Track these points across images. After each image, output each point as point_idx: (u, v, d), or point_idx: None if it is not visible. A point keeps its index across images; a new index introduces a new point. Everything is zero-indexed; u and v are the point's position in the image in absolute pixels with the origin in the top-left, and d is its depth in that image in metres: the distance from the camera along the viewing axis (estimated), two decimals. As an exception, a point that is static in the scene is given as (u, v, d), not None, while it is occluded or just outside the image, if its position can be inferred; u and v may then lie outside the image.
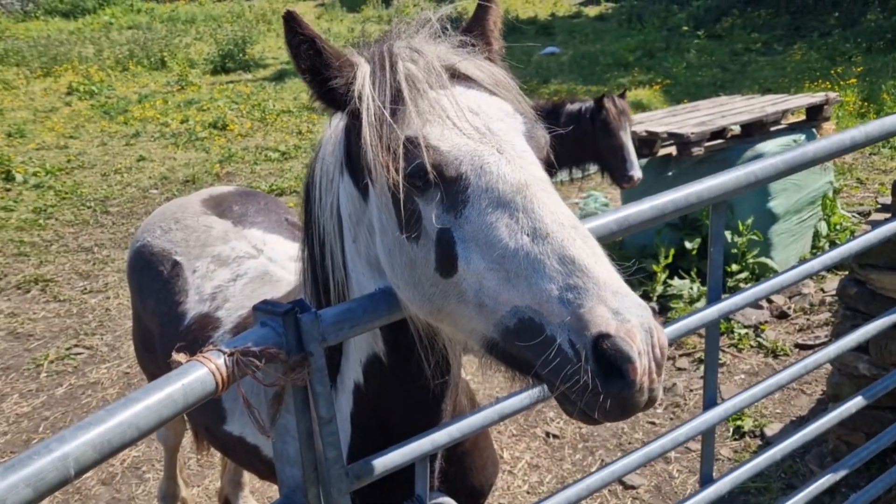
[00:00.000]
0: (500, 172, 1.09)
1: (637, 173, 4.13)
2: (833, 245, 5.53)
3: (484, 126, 1.15)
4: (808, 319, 4.82)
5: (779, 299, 5.02)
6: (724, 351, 4.52)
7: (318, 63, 1.18)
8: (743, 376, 4.33)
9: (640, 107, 10.46)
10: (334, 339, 1.26)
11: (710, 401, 2.04)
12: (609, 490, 3.50)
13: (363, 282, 1.35)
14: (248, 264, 2.33)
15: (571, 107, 4.27)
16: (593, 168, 4.38)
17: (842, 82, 11.50)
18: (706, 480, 2.12)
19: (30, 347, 5.04)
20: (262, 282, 2.24)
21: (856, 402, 2.41)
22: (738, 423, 3.85)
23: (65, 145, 10.39)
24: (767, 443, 3.70)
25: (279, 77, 15.36)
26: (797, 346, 4.55)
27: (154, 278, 2.47)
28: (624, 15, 22.04)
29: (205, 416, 2.23)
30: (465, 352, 1.51)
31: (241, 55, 16.77)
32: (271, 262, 2.32)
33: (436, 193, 1.11)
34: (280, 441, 1.31)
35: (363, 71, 1.19)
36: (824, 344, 3.80)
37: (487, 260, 1.06)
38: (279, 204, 2.83)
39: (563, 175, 4.34)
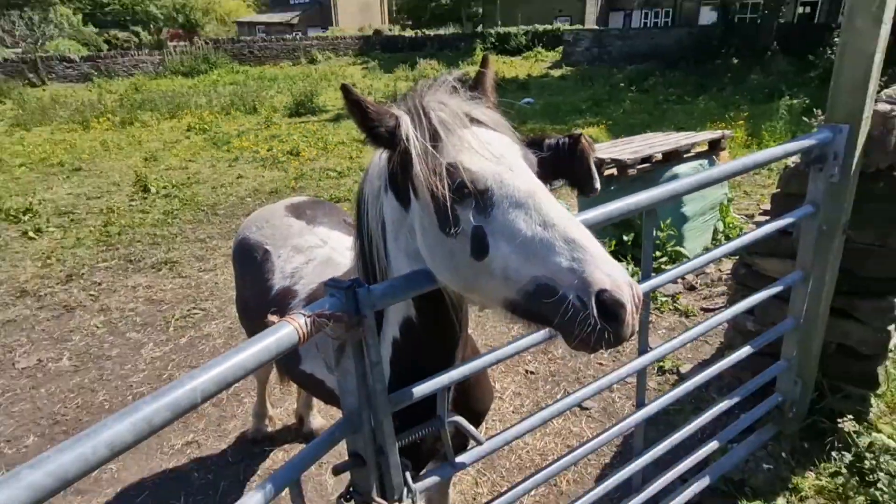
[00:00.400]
0: (515, 184, 1.10)
1: (598, 186, 4.10)
2: (728, 239, 5.50)
3: (498, 153, 1.15)
4: (710, 291, 4.79)
5: (689, 277, 4.99)
6: (650, 313, 4.50)
7: (364, 117, 1.18)
8: (663, 331, 4.31)
9: (590, 140, 10.38)
10: (381, 306, 1.26)
11: (642, 349, 2.04)
12: (570, 411, 3.49)
13: (401, 267, 1.34)
14: (317, 252, 2.32)
15: (550, 140, 4.23)
16: (559, 183, 4.37)
17: (733, 123, 11.38)
18: (640, 404, 2.12)
19: (161, 309, 5.06)
20: (326, 265, 2.23)
21: (745, 350, 2.40)
22: (661, 364, 3.84)
23: (185, 167, 10.40)
24: (682, 378, 3.69)
25: (336, 119, 15.32)
26: (702, 309, 4.52)
27: (251, 262, 2.47)
28: (579, 76, 21.93)
29: (286, 358, 2.23)
30: (480, 312, 1.51)
31: (309, 103, 16.74)
32: (333, 251, 2.32)
33: (471, 201, 1.10)
34: (343, 378, 1.31)
35: (405, 120, 1.18)
36: (722, 308, 3.78)
37: (511, 245, 1.06)
38: (339, 209, 2.82)
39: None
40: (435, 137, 1.14)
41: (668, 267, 4.02)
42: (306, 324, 1.10)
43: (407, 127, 1.16)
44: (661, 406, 2.13)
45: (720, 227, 5.59)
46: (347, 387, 1.29)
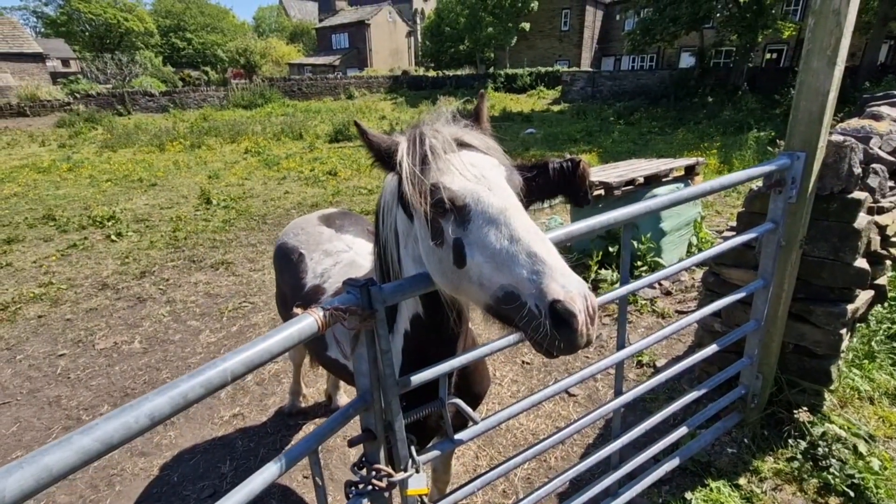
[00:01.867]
0: (490, 201, 1.07)
1: (591, 199, 4.04)
2: (700, 251, 5.38)
3: (480, 174, 1.12)
4: (684, 296, 4.68)
5: (666, 284, 4.89)
6: (631, 314, 4.42)
7: (369, 145, 1.21)
8: (643, 330, 4.22)
9: (583, 165, 10.27)
10: (391, 302, 1.23)
11: (621, 344, 1.99)
12: (559, 397, 3.43)
13: (410, 270, 1.32)
14: (343, 256, 2.31)
15: (554, 164, 4.20)
16: (560, 199, 4.34)
17: (707, 152, 11.22)
18: (618, 392, 2.07)
19: (217, 302, 5.09)
20: (351, 267, 2.22)
21: (712, 348, 2.33)
22: (640, 358, 3.75)
23: (242, 184, 10.49)
24: (657, 371, 3.60)
25: (367, 146, 15.41)
26: (677, 311, 4.42)
27: (288, 263, 2.47)
28: (575, 111, 21.75)
29: (315, 346, 2.22)
30: (471, 311, 1.49)
31: (346, 131, 16.83)
32: (357, 255, 2.30)
33: (451, 216, 1.09)
34: (357, 362, 1.29)
35: (402, 146, 1.18)
36: (693, 311, 3.69)
37: (484, 256, 1.04)
38: (364, 220, 2.81)
39: (543, 204, 4.32)
40: (424, 161, 1.13)
41: (647, 275, 3.95)
42: (325, 316, 1.09)
43: (402, 152, 1.15)
44: (637, 394, 2.07)
45: (694, 241, 5.48)
46: (361, 370, 1.28)
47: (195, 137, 15.91)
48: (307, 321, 1.06)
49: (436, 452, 1.51)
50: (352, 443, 1.33)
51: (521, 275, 0.97)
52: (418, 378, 1.35)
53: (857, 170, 2.25)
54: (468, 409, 1.49)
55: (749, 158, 10.50)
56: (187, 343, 4.36)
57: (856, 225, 2.30)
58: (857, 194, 2.30)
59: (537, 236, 1.02)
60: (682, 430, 2.39)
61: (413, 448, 1.41)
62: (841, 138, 2.23)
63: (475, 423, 1.54)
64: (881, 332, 3.12)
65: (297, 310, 1.13)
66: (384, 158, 1.21)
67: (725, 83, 21.12)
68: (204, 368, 0.89)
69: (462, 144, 1.19)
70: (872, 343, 3.03)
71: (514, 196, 1.13)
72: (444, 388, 1.45)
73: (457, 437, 1.54)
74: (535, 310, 0.94)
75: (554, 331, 0.92)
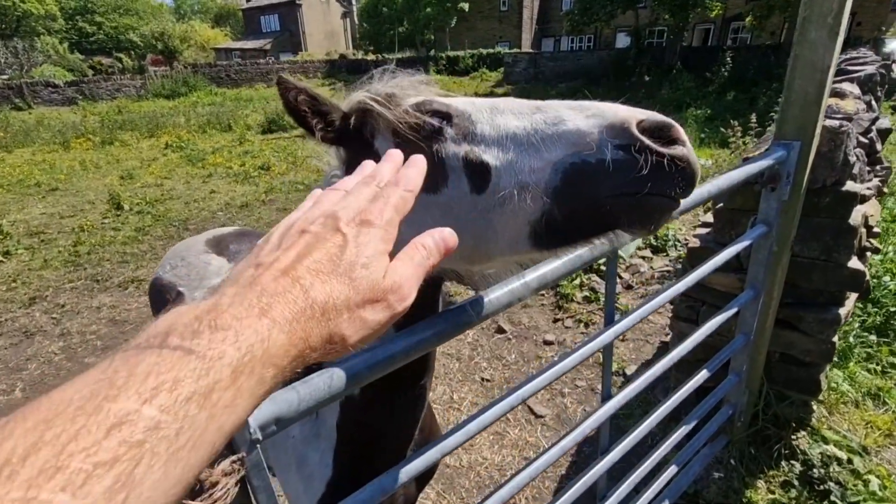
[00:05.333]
0: (484, 100, 0.78)
1: None
2: (664, 243, 5.18)
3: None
4: (645, 289, 4.45)
5: (626, 276, 4.64)
6: (594, 313, 4.13)
7: (315, 104, 0.79)
8: (607, 331, 3.93)
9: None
10: (270, 433, 0.74)
11: (607, 394, 1.59)
12: (525, 419, 3.07)
13: None
14: None
15: None
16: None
17: (651, 131, 11.29)
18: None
19: (124, 331, 4.34)
20: None
21: (702, 374, 2.00)
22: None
23: (161, 184, 9.42)
24: (628, 379, 3.31)
25: (305, 134, 14.49)
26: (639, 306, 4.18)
27: (163, 305, 1.89)
28: (519, 93, 21.59)
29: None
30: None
31: (281, 121, 15.74)
32: None
33: (448, 131, 0.74)
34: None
35: (355, 95, 0.83)
36: (651, 298, 3.43)
37: (515, 146, 0.69)
38: None
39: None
40: (390, 98, 0.80)
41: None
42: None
43: (362, 97, 0.80)
44: (627, 397, 1.69)
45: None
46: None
47: (107, 132, 14.32)
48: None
49: None
50: None
51: (576, 127, 0.65)
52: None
53: (852, 158, 1.96)
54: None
55: (692, 137, 10.63)
56: (84, 387, 3.63)
57: (851, 221, 2.02)
58: (851, 186, 2.01)
59: (559, 101, 0.73)
60: (673, 470, 2.06)
61: None
62: (836, 123, 1.93)
63: None
64: (856, 324, 2.96)
65: None
66: (332, 122, 0.82)
67: (661, 62, 21.60)
68: None
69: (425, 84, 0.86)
70: (850, 338, 2.85)
71: None
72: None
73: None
74: (620, 154, 0.61)
75: (667, 154, 0.60)
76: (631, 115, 0.63)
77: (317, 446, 1.13)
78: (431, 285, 0.90)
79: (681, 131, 0.62)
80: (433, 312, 0.93)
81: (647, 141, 0.60)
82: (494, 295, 0.95)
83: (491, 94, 22.39)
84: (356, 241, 0.45)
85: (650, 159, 0.60)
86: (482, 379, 3.49)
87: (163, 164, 11.15)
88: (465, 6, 31.05)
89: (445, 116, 0.75)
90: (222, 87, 26.15)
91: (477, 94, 21.90)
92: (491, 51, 29.18)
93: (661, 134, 0.61)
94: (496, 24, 35.81)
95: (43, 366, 3.90)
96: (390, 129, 0.77)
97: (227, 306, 0.37)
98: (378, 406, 1.01)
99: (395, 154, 0.59)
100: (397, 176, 0.55)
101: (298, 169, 10.30)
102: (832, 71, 1.73)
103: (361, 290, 0.43)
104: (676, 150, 0.61)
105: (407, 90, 0.82)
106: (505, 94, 19.24)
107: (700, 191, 1.52)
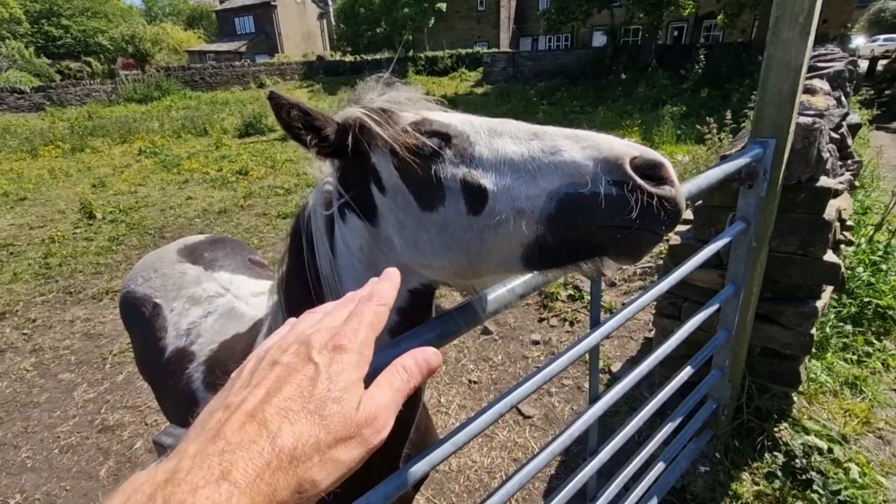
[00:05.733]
0: (483, 121, 0.79)
1: None
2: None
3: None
4: (628, 286, 4.51)
5: (609, 273, 4.68)
6: (578, 311, 4.16)
7: (309, 119, 0.78)
8: (592, 329, 3.95)
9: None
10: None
11: (594, 396, 1.59)
12: (514, 420, 3.07)
13: (352, 279, 0.93)
14: (218, 302, 1.72)
15: None
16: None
17: (629, 129, 11.45)
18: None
19: (99, 345, 4.21)
20: (228, 317, 1.65)
21: (686, 371, 2.02)
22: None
23: (135, 191, 9.18)
24: (614, 376, 3.34)
25: (284, 138, 14.25)
26: (623, 304, 4.21)
27: (138, 319, 1.83)
28: (498, 92, 21.69)
29: None
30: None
31: (258, 124, 15.57)
32: (237, 299, 1.73)
33: (445, 154, 0.75)
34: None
35: (350, 111, 0.82)
36: (636, 299, 3.47)
37: (513, 171, 0.71)
38: (243, 246, 2.19)
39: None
40: (386, 114, 0.81)
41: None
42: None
43: (357, 113, 0.80)
44: (615, 398, 1.69)
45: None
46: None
47: (77, 139, 13.89)
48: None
49: None
50: None
51: (572, 158, 0.68)
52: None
53: (826, 154, 2.00)
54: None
55: (667, 134, 10.80)
56: (57, 404, 3.50)
57: (825, 216, 2.06)
58: (825, 182, 2.06)
59: (558, 129, 0.75)
60: (660, 466, 2.07)
61: None
62: (809, 120, 1.97)
63: None
64: (832, 315, 3.03)
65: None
66: (326, 137, 0.80)
67: (637, 61, 21.92)
68: None
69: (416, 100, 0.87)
70: (826, 329, 2.92)
71: None
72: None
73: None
74: (612, 190, 0.64)
75: (655, 194, 0.63)
76: (625, 151, 0.65)
77: None
78: (423, 299, 0.91)
79: (670, 170, 0.66)
80: (428, 318, 0.94)
81: (640, 181, 0.63)
82: (482, 303, 0.94)
83: (470, 94, 22.47)
84: (328, 372, 0.43)
85: (641, 199, 0.63)
86: (469, 381, 3.48)
87: (136, 170, 10.87)
88: (443, 6, 31.03)
89: (444, 137, 0.75)
90: (197, 90, 25.65)
91: (457, 94, 21.91)
92: (470, 51, 29.25)
93: (652, 173, 0.65)
94: (474, 23, 35.90)
95: (15, 383, 3.76)
96: (388, 147, 0.77)
97: (186, 472, 0.35)
98: None
99: (390, 272, 0.59)
100: (370, 291, 0.54)
101: (277, 173, 10.16)
102: (805, 69, 1.76)
103: (333, 429, 0.41)
104: (665, 191, 0.64)
105: (404, 105, 0.83)
106: (485, 94, 19.33)
107: (689, 187, 1.54)
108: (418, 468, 1.04)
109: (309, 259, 0.95)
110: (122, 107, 21.57)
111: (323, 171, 0.97)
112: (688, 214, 2.78)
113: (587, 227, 0.66)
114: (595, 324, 1.45)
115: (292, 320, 0.54)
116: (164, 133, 14.92)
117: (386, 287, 0.55)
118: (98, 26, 46.71)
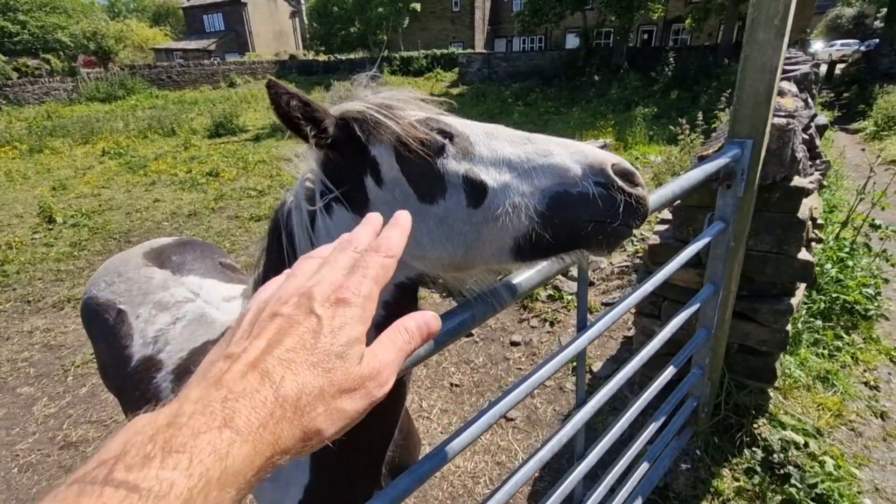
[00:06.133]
0: (478, 124, 0.85)
1: None
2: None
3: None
4: (606, 285, 4.55)
5: (588, 273, 4.72)
6: (558, 311, 4.17)
7: (309, 110, 0.78)
8: (572, 329, 3.99)
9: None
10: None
11: (581, 401, 1.57)
12: (497, 424, 3.04)
13: None
14: (186, 308, 1.63)
15: None
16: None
17: (603, 130, 11.63)
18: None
19: (60, 356, 4.00)
20: (199, 324, 1.57)
21: (669, 371, 2.03)
22: (573, 364, 3.48)
23: (98, 194, 8.82)
24: (596, 376, 3.36)
25: (256, 139, 14.00)
26: (603, 304, 4.26)
27: (101, 326, 1.73)
28: (474, 93, 21.76)
29: None
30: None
31: (229, 124, 15.20)
32: (207, 304, 1.65)
33: (447, 151, 0.80)
34: None
35: (351, 105, 0.84)
36: (619, 302, 3.50)
37: (510, 170, 0.78)
38: (214, 249, 2.10)
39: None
40: (390, 111, 0.84)
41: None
42: None
43: (358, 106, 0.83)
44: (601, 402, 1.68)
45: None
46: None
47: (35, 140, 13.29)
48: None
49: None
50: None
51: (564, 163, 0.76)
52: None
53: (800, 154, 2.05)
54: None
55: (640, 134, 11.02)
56: (16, 420, 3.31)
57: (799, 215, 2.11)
58: (799, 181, 2.10)
59: (544, 136, 0.83)
60: (645, 466, 2.08)
61: None
62: (784, 120, 2.00)
63: None
64: (804, 311, 3.12)
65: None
66: (326, 129, 0.81)
67: (609, 62, 22.32)
68: None
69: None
70: (798, 324, 3.00)
71: None
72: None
73: None
74: (600, 190, 0.74)
75: (633, 192, 0.74)
76: (606, 158, 0.75)
77: None
78: (409, 294, 0.93)
79: (640, 176, 0.77)
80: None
81: (621, 183, 0.73)
82: (471, 311, 0.92)
83: (446, 95, 22.43)
84: (331, 325, 0.42)
85: (621, 197, 0.73)
86: (451, 384, 3.45)
87: (100, 172, 10.45)
88: (417, 6, 30.95)
89: (448, 135, 0.81)
90: (164, 89, 24.89)
91: (432, 94, 21.97)
92: (445, 51, 29.24)
93: (627, 178, 0.75)
94: (449, 24, 35.93)
95: (-33, 400, 3.54)
96: (393, 140, 0.80)
97: (188, 417, 0.35)
98: None
99: (373, 218, 0.57)
100: (378, 240, 0.51)
101: (250, 174, 9.92)
102: (780, 70, 1.79)
103: (337, 381, 0.40)
104: (639, 192, 0.75)
105: (408, 104, 0.87)
106: (460, 95, 19.34)
107: (664, 191, 1.54)
108: (406, 484, 1.00)
109: (289, 256, 0.93)
110: (83, 106, 20.74)
111: (300, 171, 0.95)
112: (666, 214, 2.82)
113: (576, 222, 0.75)
114: (582, 328, 1.43)
115: (288, 270, 0.51)
116: (130, 133, 14.40)
117: (395, 235, 0.52)
118: (57, 22, 44.73)
